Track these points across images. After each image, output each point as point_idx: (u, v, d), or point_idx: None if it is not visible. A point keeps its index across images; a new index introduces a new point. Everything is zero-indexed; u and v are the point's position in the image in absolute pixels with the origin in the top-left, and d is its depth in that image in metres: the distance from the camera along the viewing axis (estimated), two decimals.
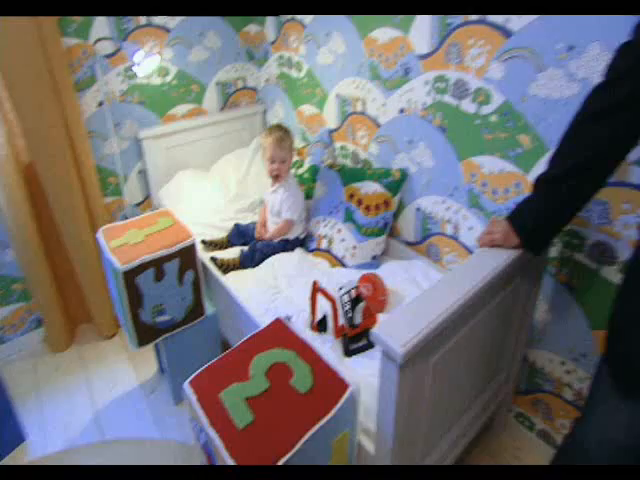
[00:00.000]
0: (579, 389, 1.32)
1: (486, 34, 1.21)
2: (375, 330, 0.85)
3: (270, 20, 2.03)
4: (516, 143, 1.25)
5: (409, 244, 1.70)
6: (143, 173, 2.01)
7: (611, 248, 1.13)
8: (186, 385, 0.95)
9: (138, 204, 2.06)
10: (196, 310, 1.54)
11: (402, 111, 1.53)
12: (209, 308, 1.61)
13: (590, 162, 0.86)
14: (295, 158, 1.95)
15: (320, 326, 1.33)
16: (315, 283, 1.31)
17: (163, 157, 1.98)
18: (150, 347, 1.55)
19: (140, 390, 1.74)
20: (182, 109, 2.02)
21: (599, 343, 1.24)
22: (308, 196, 1.82)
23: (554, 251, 1.26)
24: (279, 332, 1.07)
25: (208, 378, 0.96)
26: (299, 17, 1.84)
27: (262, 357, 0.99)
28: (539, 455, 1.48)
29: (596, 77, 1.04)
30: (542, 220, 0.96)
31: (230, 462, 0.82)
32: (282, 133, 1.65)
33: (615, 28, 0.99)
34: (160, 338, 1.50)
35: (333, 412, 0.90)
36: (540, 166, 1.21)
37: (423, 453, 1.11)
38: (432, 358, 0.94)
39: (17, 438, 1.52)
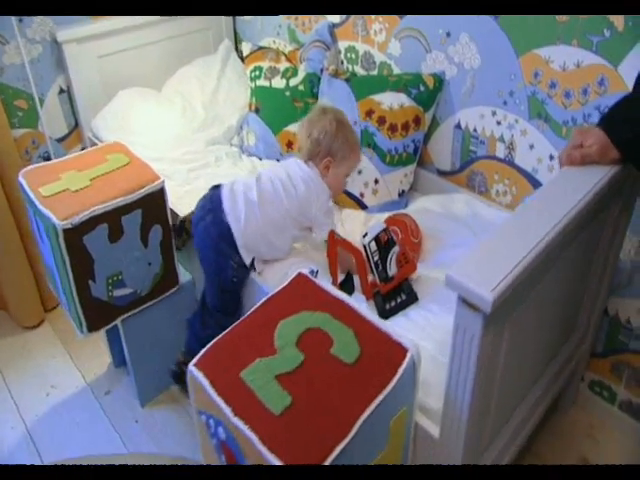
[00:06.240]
0: None
1: None
2: (450, 272, 0.83)
3: None
4: (605, 23, 1.21)
5: (444, 174, 1.73)
6: (66, 94, 1.96)
7: None
8: (192, 368, 0.93)
9: (62, 138, 2.01)
10: (167, 279, 1.51)
11: None
12: (184, 275, 1.59)
13: None
14: (285, 65, 1.91)
15: (344, 288, 1.34)
16: (331, 234, 1.32)
17: (95, 70, 1.94)
18: (98, 335, 1.48)
19: (90, 392, 1.74)
20: None
21: None
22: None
23: None
24: (305, 291, 1.07)
25: (220, 356, 0.95)
26: None
27: (288, 323, 0.99)
28: (622, 434, 1.55)
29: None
30: None
31: (270, 457, 0.81)
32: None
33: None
34: (119, 319, 1.47)
35: (394, 382, 0.91)
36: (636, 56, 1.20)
37: (491, 436, 1.13)
38: (514, 310, 0.94)
39: None
